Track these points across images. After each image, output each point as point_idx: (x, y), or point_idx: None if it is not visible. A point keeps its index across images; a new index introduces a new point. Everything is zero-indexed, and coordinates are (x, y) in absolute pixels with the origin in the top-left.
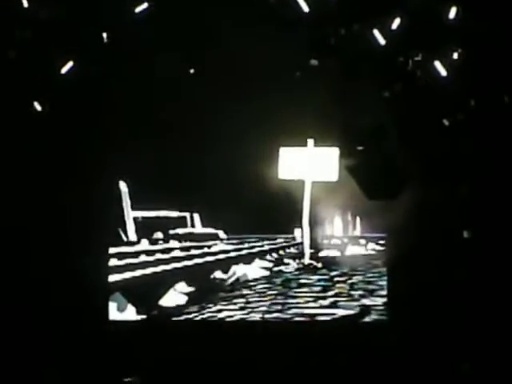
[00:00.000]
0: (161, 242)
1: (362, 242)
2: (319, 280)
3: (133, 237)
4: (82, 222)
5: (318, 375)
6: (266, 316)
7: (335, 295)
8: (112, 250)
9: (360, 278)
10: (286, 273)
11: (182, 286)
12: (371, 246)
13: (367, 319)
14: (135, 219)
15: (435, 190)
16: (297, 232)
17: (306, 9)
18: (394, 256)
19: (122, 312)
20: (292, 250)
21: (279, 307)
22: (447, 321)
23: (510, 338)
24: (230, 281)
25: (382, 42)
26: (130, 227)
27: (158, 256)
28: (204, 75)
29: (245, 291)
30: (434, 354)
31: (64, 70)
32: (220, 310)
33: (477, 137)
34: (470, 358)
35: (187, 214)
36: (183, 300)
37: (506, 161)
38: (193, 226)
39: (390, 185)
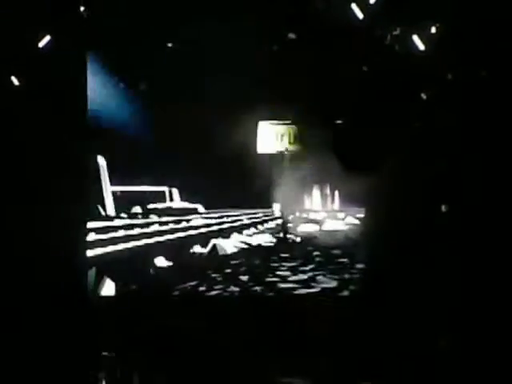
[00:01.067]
0: (139, 216)
1: (341, 215)
2: (298, 254)
3: (111, 211)
4: (60, 197)
5: (296, 347)
6: (245, 289)
7: (313, 269)
8: (90, 225)
9: (338, 251)
10: (265, 247)
11: (161, 261)
12: (350, 219)
13: (345, 292)
14: (114, 193)
15: (413, 163)
16: (275, 206)
17: None
18: (372, 229)
19: (100, 287)
20: (271, 224)
21: (257, 281)
22: (425, 292)
23: (486, 311)
24: (208, 255)
25: (360, 16)
26: (109, 202)
27: (137, 230)
28: (181, 50)
29: (223, 265)
30: (411, 326)
31: (41, 44)
32: (199, 284)
33: (454, 111)
34: (448, 331)
35: (166, 189)
36: (162, 274)
37: (482, 134)
38: (171, 200)
39: (369, 157)
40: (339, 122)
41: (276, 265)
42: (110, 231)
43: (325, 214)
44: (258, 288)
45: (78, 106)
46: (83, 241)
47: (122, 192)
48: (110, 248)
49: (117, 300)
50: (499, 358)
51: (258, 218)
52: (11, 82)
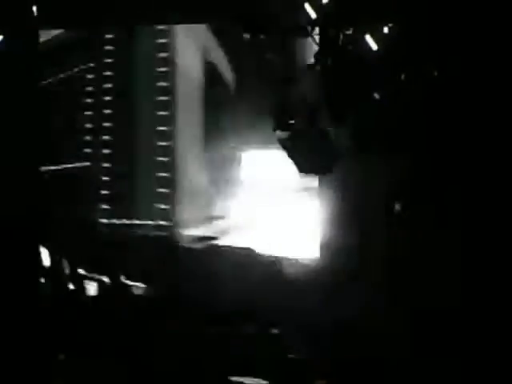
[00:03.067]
0: None
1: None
2: None
3: None
4: None
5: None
6: None
7: None
8: None
9: None
10: None
11: None
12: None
13: None
14: None
15: (368, 164)
16: None
17: None
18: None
19: None
20: None
21: None
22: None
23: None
24: None
25: (314, 15)
26: None
27: None
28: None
29: None
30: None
31: None
32: None
33: (407, 110)
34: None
35: None
36: None
37: (435, 133)
38: None
39: (323, 159)
40: (293, 122)
41: None
42: None
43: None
44: None
45: None
46: None
47: None
48: None
49: None
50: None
51: None
52: None
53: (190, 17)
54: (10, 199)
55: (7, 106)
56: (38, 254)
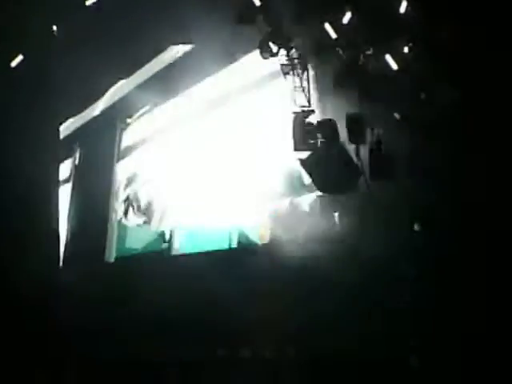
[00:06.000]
0: None
1: None
2: None
3: None
4: None
5: None
6: None
7: None
8: None
9: None
10: None
11: None
12: None
13: None
14: None
15: (386, 185)
16: None
17: None
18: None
19: None
20: None
21: None
22: None
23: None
24: None
25: (334, 35)
26: None
27: None
28: None
29: None
30: None
31: None
32: None
33: (426, 129)
34: None
35: None
36: None
37: (455, 154)
38: None
39: (342, 180)
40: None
41: None
42: None
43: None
44: None
45: None
46: None
47: None
48: None
49: None
50: None
51: None
52: None
53: None
54: None
55: None
56: None
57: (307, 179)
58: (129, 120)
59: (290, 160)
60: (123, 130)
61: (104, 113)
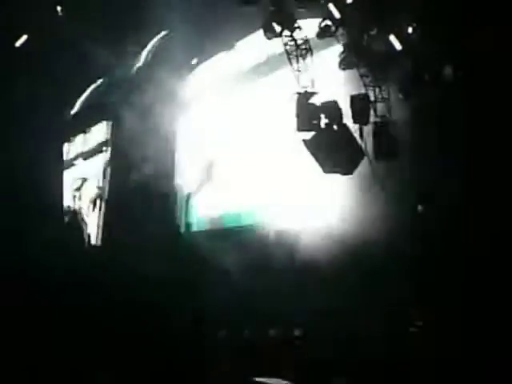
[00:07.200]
0: None
1: None
2: None
3: None
4: None
5: None
6: None
7: None
8: None
9: None
10: None
11: None
12: None
13: None
14: None
15: (388, 166)
16: None
17: None
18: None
19: None
20: None
21: None
22: None
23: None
24: None
25: (338, 16)
26: None
27: None
28: None
29: None
30: None
31: None
32: None
33: (429, 110)
34: None
35: None
36: None
37: (456, 136)
38: None
39: (347, 159)
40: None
41: None
42: None
43: None
44: None
45: None
46: None
47: None
48: None
49: None
50: None
51: None
52: None
53: None
54: None
55: None
56: None
57: None
58: None
59: None
60: None
61: None
